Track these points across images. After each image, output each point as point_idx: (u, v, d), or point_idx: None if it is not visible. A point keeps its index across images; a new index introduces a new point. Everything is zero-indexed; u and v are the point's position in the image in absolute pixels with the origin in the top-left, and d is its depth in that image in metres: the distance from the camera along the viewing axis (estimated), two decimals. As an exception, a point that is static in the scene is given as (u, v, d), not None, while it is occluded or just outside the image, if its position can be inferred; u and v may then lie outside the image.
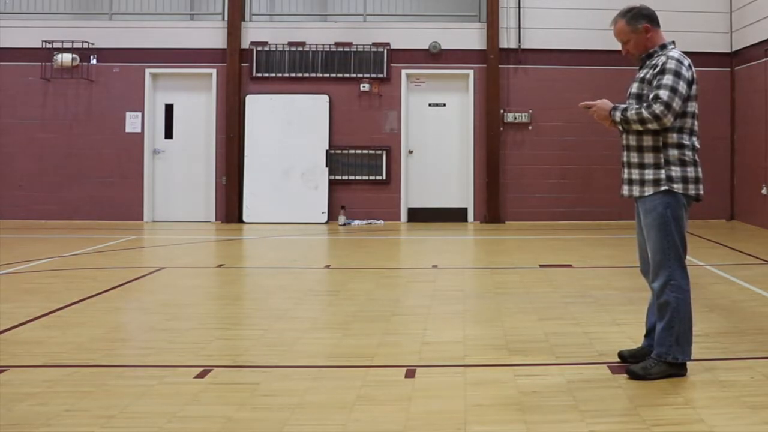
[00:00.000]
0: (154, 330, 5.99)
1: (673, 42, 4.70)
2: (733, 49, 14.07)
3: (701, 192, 4.58)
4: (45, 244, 11.05)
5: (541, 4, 14.19)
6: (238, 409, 4.09)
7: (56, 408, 4.08)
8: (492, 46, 14.10)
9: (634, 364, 4.60)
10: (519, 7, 14.15)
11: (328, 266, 9.33)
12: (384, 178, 14.17)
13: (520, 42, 14.17)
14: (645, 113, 4.44)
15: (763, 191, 12.70)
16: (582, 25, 13.79)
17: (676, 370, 4.52)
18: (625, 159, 4.67)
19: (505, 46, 14.18)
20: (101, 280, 8.04)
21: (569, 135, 13.95)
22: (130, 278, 8.19)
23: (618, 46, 4.81)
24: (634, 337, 5.36)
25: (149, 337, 5.81)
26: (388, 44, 14.24)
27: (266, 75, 14.22)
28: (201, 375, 4.69)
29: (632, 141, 4.60)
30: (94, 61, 14.15)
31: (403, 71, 14.30)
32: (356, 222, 13.84)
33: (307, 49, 14.24)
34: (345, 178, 14.17)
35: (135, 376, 4.71)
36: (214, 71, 14.08)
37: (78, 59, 14.03)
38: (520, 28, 14.16)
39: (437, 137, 14.40)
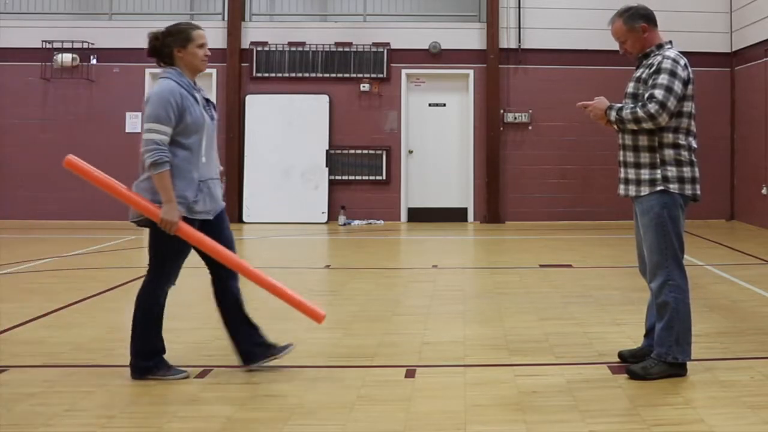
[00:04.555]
0: (154, 330, 5.97)
1: (671, 42, 4.70)
2: (733, 49, 14.07)
3: (698, 192, 4.58)
4: (45, 244, 11.06)
5: (541, 4, 14.19)
6: (238, 409, 4.09)
7: (56, 408, 4.09)
8: (492, 46, 14.10)
9: (634, 364, 4.61)
10: (519, 7, 14.15)
11: (328, 266, 9.33)
12: (384, 178, 14.17)
13: (520, 42, 14.17)
14: (640, 112, 4.45)
15: (763, 191, 12.70)
16: (582, 25, 13.79)
17: (676, 370, 4.52)
18: (621, 158, 4.68)
19: (505, 46, 14.19)
20: (101, 280, 8.04)
21: (569, 135, 13.95)
22: (131, 278, 8.19)
23: (617, 46, 4.82)
24: (634, 337, 5.36)
25: (149, 337, 5.80)
26: (388, 44, 14.24)
27: (266, 75, 14.23)
28: (201, 375, 4.69)
29: (628, 140, 4.61)
30: (94, 61, 14.16)
31: (403, 71, 14.30)
32: (356, 222, 13.84)
33: (307, 49, 14.24)
34: (345, 178, 14.17)
35: (135, 376, 4.71)
36: (214, 71, 14.08)
37: (78, 59, 14.04)
38: (520, 28, 14.16)
39: (437, 137, 14.40)
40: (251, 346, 4.73)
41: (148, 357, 4.57)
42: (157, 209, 4.40)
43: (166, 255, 4.56)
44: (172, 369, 4.60)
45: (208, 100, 4.74)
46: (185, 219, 4.46)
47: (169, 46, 4.60)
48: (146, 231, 4.65)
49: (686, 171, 4.53)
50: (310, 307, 4.57)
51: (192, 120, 4.48)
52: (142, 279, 4.71)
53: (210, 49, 4.84)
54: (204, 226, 4.57)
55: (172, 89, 4.46)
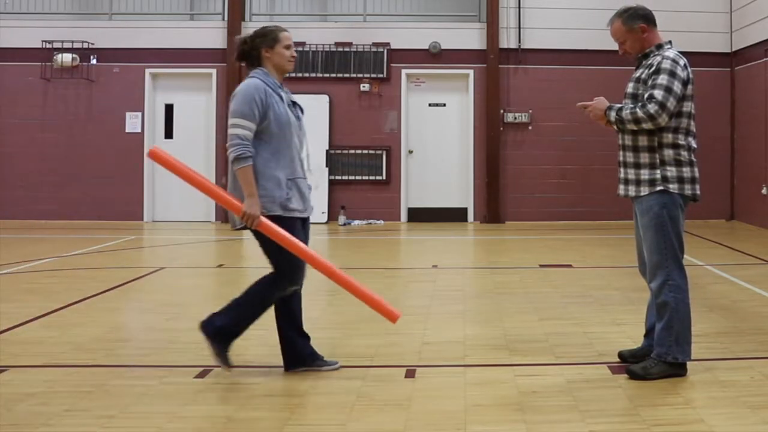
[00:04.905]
0: (154, 330, 5.99)
1: (670, 42, 4.70)
2: (733, 49, 14.07)
3: (698, 192, 4.58)
4: (45, 244, 11.05)
5: (541, 4, 14.19)
6: (238, 409, 4.09)
7: (56, 408, 4.09)
8: (492, 46, 14.10)
9: (634, 364, 4.61)
10: (519, 7, 14.15)
11: (328, 266, 9.32)
12: (384, 178, 14.17)
13: (520, 42, 14.17)
14: (639, 113, 4.45)
15: (763, 191, 12.70)
16: (582, 25, 13.79)
17: (676, 370, 4.52)
18: (621, 159, 4.68)
19: (505, 46, 14.19)
20: (101, 280, 8.04)
21: (569, 135, 13.95)
22: (130, 278, 8.20)
23: (617, 46, 4.82)
24: (634, 337, 5.36)
25: (149, 337, 5.82)
26: (388, 44, 14.24)
27: (266, 75, 14.19)
28: (201, 375, 4.69)
29: (628, 141, 4.61)
30: (94, 61, 14.15)
31: (403, 71, 14.30)
32: (356, 222, 13.84)
33: (307, 49, 14.23)
34: (345, 178, 14.17)
35: (135, 376, 4.71)
36: (214, 71, 14.07)
37: (78, 59, 14.04)
38: (520, 28, 14.16)
39: (437, 137, 14.40)
40: (295, 355, 4.75)
41: (226, 335, 4.56)
42: (240, 204, 4.43)
43: (277, 253, 4.53)
44: (229, 359, 4.60)
45: (294, 102, 4.75)
46: (284, 218, 4.49)
47: (257, 48, 4.67)
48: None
49: (686, 171, 4.53)
50: (386, 306, 4.57)
51: (275, 117, 4.52)
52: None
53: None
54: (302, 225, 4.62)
55: (257, 86, 4.53)
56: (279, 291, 4.61)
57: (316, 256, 4.53)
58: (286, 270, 4.57)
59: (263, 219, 4.43)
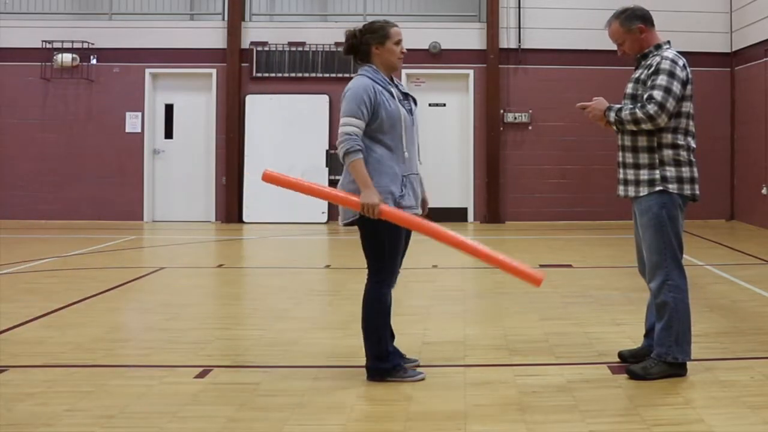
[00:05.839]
0: (154, 330, 5.99)
1: (669, 42, 4.70)
2: (733, 49, 14.07)
3: (697, 192, 4.58)
4: (45, 244, 11.05)
5: (541, 4, 14.18)
6: (238, 409, 4.09)
7: (56, 408, 4.09)
8: (492, 46, 14.09)
9: (634, 364, 4.61)
10: (519, 7, 14.14)
11: (328, 266, 9.33)
12: (384, 178, 14.14)
13: (520, 42, 14.17)
14: (639, 113, 4.45)
15: (763, 191, 12.70)
16: (582, 25, 13.77)
17: (676, 370, 4.52)
18: (620, 159, 4.67)
19: (505, 46, 14.18)
20: (101, 280, 8.04)
21: (569, 135, 13.94)
22: (130, 278, 8.19)
23: (616, 47, 4.81)
24: (634, 337, 5.36)
25: (149, 337, 5.82)
26: (388, 44, 14.22)
27: (266, 75, 14.21)
28: (201, 375, 4.69)
29: (627, 141, 4.61)
30: (94, 61, 14.15)
31: (403, 71, 14.27)
32: (356, 222, 13.81)
33: (307, 49, 14.23)
34: (345, 178, 14.13)
35: (135, 376, 4.71)
36: (214, 71, 14.06)
37: (78, 59, 14.03)
38: (520, 28, 14.16)
39: (437, 137, 14.38)
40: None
41: (384, 359, 4.55)
42: (357, 199, 4.40)
43: (381, 250, 4.50)
44: (408, 371, 4.59)
45: (406, 95, 4.70)
46: None
47: (367, 44, 4.63)
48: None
49: (685, 171, 4.53)
50: (527, 271, 4.39)
51: (387, 115, 4.48)
52: (365, 284, 4.59)
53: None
54: None
55: (366, 85, 4.50)
56: (385, 291, 4.55)
57: (444, 230, 4.38)
58: (386, 267, 4.53)
59: (384, 206, 4.36)
